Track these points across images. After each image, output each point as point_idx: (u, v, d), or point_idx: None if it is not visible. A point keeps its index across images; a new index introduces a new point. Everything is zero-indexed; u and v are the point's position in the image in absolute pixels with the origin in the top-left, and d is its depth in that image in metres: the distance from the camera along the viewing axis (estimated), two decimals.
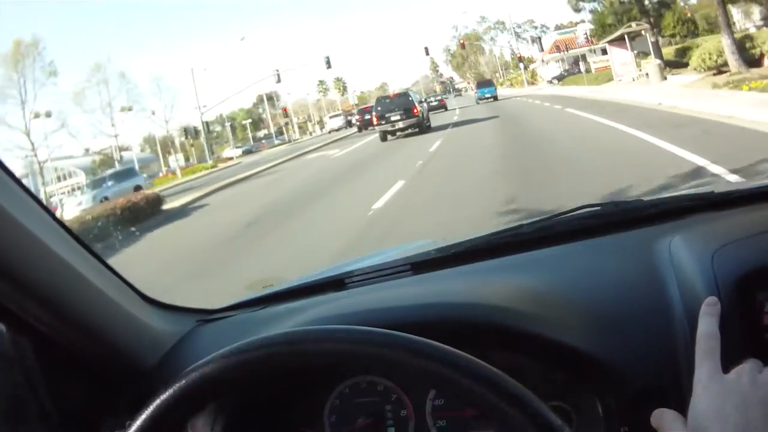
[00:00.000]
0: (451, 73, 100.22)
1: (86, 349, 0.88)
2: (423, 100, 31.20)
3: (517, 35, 73.49)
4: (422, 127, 23.26)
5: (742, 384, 0.65)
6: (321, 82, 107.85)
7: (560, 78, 47.50)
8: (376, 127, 24.65)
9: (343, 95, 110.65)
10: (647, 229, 1.08)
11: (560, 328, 0.85)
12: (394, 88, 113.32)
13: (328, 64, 41.64)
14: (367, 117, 33.63)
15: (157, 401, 0.66)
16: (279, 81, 42.72)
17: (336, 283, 1.20)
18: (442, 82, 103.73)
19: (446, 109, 40.58)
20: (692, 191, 1.32)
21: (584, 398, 0.86)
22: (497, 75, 77.43)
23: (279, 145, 61.81)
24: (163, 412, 0.66)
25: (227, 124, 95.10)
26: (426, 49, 52.38)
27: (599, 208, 1.21)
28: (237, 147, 65.89)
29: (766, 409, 0.62)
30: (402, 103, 23.48)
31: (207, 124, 39.64)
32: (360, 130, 37.48)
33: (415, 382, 0.65)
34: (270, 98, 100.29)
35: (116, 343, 0.91)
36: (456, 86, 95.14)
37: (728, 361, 0.68)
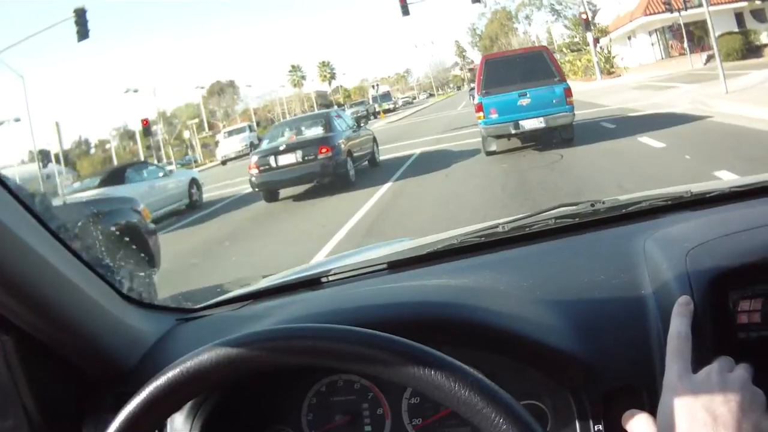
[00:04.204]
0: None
1: (67, 347, 0.89)
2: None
3: (557, 13, 58.13)
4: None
5: (710, 383, 0.65)
6: (294, 68, 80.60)
7: None
8: None
9: (330, 85, 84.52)
10: (623, 227, 1.11)
11: (534, 326, 0.85)
12: (419, 77, 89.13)
13: (81, 33, 16.51)
14: None
15: (139, 397, 0.66)
16: None
17: (313, 282, 1.22)
18: (471, 70, 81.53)
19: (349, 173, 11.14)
20: (669, 190, 1.29)
21: (558, 397, 0.85)
22: None
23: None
24: (144, 408, 0.66)
25: (158, 128, 66.20)
26: (404, 5, 21.35)
27: (575, 207, 1.26)
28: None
29: (733, 405, 0.63)
30: None
31: None
32: None
33: (393, 382, 0.64)
34: (221, 91, 73.68)
35: (96, 341, 0.92)
36: None
37: (701, 360, 0.69)
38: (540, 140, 10.91)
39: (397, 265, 1.17)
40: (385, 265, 1.18)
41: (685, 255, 0.84)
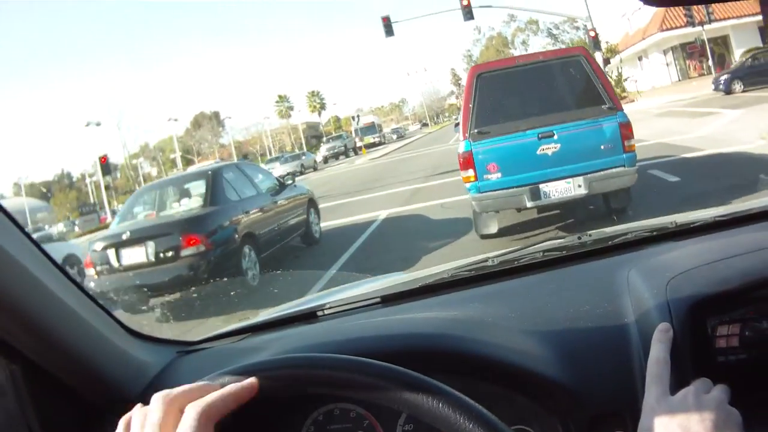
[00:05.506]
0: None
1: (72, 376, 0.92)
2: None
3: (554, 37, 58.65)
4: None
5: (687, 403, 0.68)
6: (281, 98, 77.34)
7: None
8: None
9: (320, 115, 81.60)
10: (608, 259, 1.15)
11: (521, 355, 0.88)
12: (414, 106, 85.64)
13: None
14: None
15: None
16: None
17: (309, 315, 1.25)
18: None
19: None
20: (654, 222, 1.33)
21: (547, 423, 0.87)
22: None
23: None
24: None
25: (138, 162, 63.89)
26: (387, 24, 17.45)
27: (563, 240, 1.32)
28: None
29: (708, 424, 0.66)
30: None
31: None
32: None
33: (388, 407, 0.67)
34: (196, 124, 70.81)
35: (101, 372, 0.94)
36: None
37: (680, 383, 0.72)
38: (569, 209, 6.53)
39: (390, 299, 1.21)
40: (378, 299, 1.22)
41: (666, 284, 0.87)
